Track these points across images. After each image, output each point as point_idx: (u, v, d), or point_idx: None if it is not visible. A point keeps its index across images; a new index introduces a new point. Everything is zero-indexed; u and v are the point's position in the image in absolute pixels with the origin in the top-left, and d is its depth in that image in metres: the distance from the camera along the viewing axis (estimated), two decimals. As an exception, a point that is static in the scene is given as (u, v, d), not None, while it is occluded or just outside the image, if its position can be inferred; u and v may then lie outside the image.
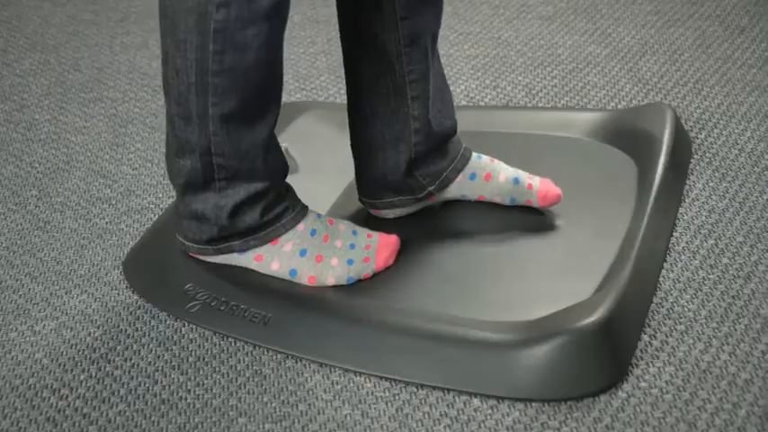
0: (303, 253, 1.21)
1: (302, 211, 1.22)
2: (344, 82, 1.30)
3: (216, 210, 1.18)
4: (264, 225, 1.20)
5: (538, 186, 1.31)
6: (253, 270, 1.22)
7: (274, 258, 1.21)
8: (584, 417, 1.05)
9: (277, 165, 1.21)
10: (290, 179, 1.40)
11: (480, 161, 1.33)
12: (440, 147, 1.30)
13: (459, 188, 1.33)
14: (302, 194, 1.38)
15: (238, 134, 1.15)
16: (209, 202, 1.18)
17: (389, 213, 1.34)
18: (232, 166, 1.16)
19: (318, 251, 1.21)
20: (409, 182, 1.31)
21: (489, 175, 1.32)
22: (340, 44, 1.29)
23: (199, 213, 1.19)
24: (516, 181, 1.31)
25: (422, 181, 1.31)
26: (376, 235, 1.25)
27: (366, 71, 1.26)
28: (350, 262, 1.22)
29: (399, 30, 1.22)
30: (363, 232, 1.25)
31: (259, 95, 1.14)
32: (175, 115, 1.15)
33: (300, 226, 1.21)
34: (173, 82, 1.13)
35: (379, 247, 1.24)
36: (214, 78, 1.11)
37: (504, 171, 1.32)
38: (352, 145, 1.32)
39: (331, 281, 1.21)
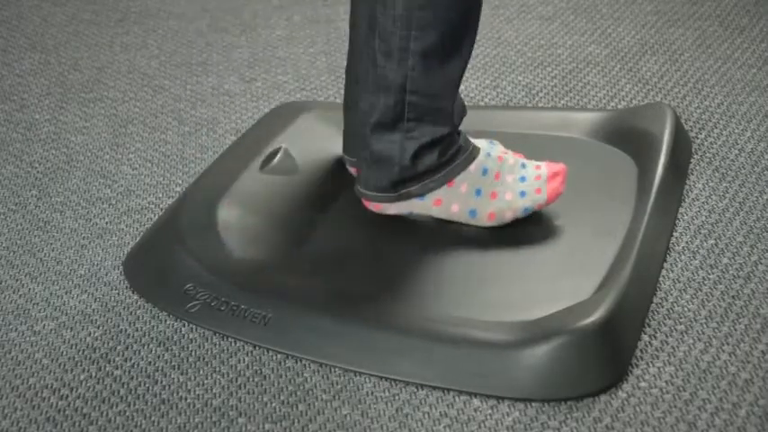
0: (478, 193, 1.27)
1: (474, 151, 1.28)
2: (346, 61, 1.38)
3: (400, 150, 1.24)
4: (441, 166, 1.26)
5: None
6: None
7: (452, 201, 1.27)
8: (585, 417, 1.05)
9: (459, 109, 1.28)
10: (289, 179, 1.40)
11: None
12: None
13: None
14: (302, 194, 1.39)
15: (434, 71, 1.21)
16: (395, 143, 1.24)
17: None
18: (423, 105, 1.22)
19: (492, 188, 1.27)
20: None
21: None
22: (341, 43, 1.30)
23: (384, 155, 1.25)
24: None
25: None
26: (543, 165, 1.31)
27: (360, 33, 1.32)
28: (522, 194, 1.28)
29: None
30: (531, 164, 1.31)
31: (456, 30, 1.21)
32: (378, 51, 1.21)
33: (472, 166, 1.27)
34: (379, 16, 1.19)
35: (548, 177, 1.29)
36: (419, 12, 1.17)
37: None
38: (344, 103, 1.39)
39: (509, 215, 1.28)
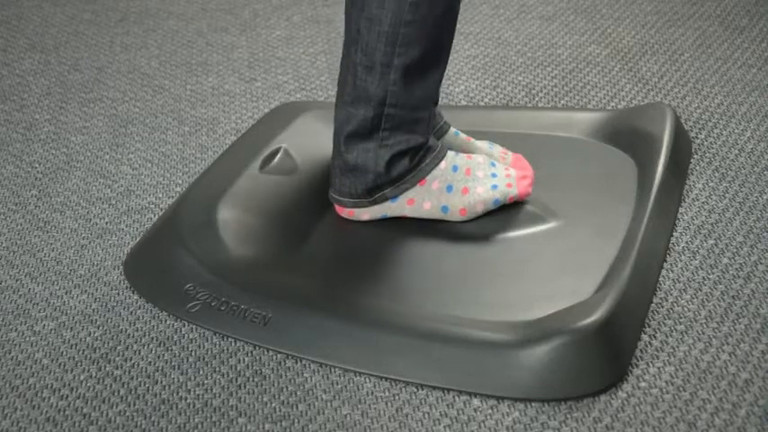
0: (449, 189, 1.29)
1: (442, 150, 1.30)
2: None
3: (375, 158, 1.26)
4: (412, 169, 1.28)
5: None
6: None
7: (425, 199, 1.29)
8: (585, 417, 1.05)
9: (433, 121, 1.30)
10: (289, 179, 1.40)
11: (458, 137, 1.41)
12: None
13: None
14: (302, 194, 1.39)
15: (414, 85, 1.23)
16: (369, 152, 1.26)
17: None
18: (401, 116, 1.24)
19: (464, 184, 1.29)
20: None
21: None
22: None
23: (359, 164, 1.27)
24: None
25: None
26: (511, 168, 1.33)
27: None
28: (494, 187, 1.30)
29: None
30: (501, 165, 1.33)
31: (437, 45, 1.23)
32: (359, 64, 1.22)
33: (442, 164, 1.30)
34: (363, 31, 1.20)
35: (517, 177, 1.32)
36: (405, 28, 1.19)
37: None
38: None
39: (480, 207, 1.30)
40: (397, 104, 1.24)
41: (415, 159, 1.28)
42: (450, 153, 1.31)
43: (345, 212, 1.32)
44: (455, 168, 1.30)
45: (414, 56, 1.21)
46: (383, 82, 1.22)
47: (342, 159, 1.28)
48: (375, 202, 1.30)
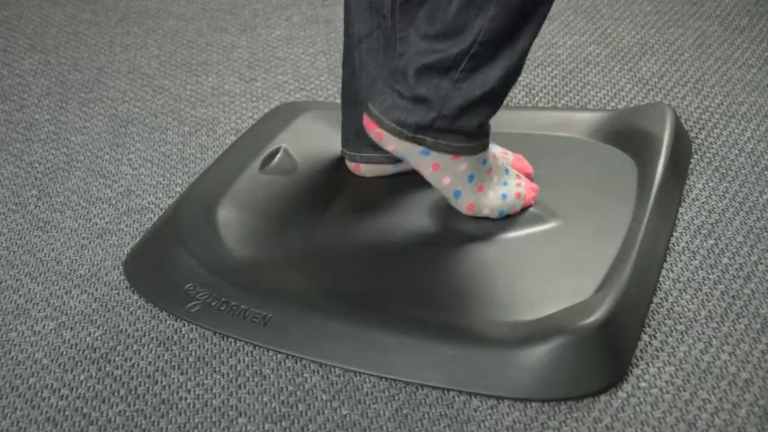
0: (471, 178, 1.27)
1: (488, 143, 1.27)
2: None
3: (444, 99, 1.19)
4: (472, 137, 1.23)
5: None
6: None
7: (447, 173, 1.26)
8: (585, 417, 1.05)
9: (516, 76, 1.22)
10: (289, 179, 1.40)
11: None
12: None
13: None
14: (302, 194, 1.39)
15: (512, 25, 1.16)
16: (440, 90, 1.19)
17: (366, 171, 1.40)
18: (484, 56, 1.17)
19: (482, 181, 1.28)
20: None
21: None
22: (340, 43, 1.30)
23: (428, 98, 1.19)
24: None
25: None
26: (522, 176, 1.34)
27: (361, 25, 1.30)
28: (504, 196, 1.30)
29: None
30: (512, 171, 1.33)
31: None
32: None
33: (480, 153, 1.27)
34: None
35: (526, 187, 1.32)
36: None
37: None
38: (341, 96, 1.38)
39: (486, 211, 1.30)
40: (487, 42, 1.16)
41: (483, 128, 1.23)
42: (489, 147, 1.29)
43: (374, 131, 1.23)
44: (484, 162, 1.29)
45: None
46: (480, 18, 1.14)
47: (409, 88, 1.19)
48: (412, 140, 1.21)
